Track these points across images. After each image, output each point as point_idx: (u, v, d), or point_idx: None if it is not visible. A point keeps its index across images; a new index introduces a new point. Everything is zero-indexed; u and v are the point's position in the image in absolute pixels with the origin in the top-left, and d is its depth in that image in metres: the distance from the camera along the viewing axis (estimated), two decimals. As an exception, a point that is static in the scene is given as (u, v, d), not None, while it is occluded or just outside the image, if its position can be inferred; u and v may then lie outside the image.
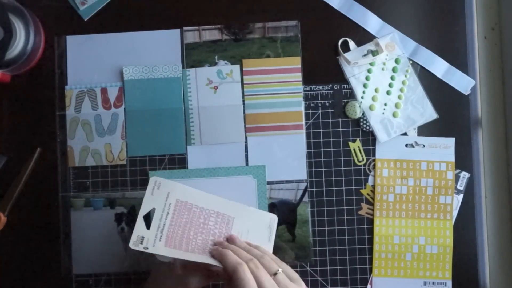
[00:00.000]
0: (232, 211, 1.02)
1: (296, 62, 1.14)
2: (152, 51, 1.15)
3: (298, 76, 1.14)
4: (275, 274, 0.88)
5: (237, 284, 0.84)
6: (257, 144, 1.13)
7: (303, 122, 1.13)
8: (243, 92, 1.14)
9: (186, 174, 1.12)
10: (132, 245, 0.95)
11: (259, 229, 1.01)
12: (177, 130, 1.13)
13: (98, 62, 1.15)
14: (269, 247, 1.00)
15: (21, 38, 1.08)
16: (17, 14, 1.08)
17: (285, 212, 1.12)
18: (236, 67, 1.14)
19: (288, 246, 1.12)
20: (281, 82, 1.14)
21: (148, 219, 0.98)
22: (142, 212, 0.98)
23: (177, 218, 0.99)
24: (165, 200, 1.00)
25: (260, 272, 0.86)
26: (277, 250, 1.07)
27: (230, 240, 0.98)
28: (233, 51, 1.15)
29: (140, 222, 0.97)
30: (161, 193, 1.00)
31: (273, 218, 1.03)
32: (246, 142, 1.13)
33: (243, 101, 1.14)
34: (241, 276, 0.84)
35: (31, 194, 1.13)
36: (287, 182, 1.13)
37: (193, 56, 1.15)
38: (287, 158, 1.13)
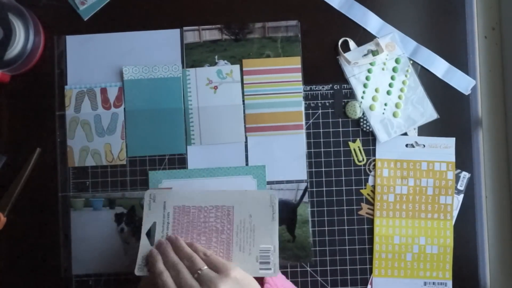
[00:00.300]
0: (230, 200, 1.01)
1: (296, 62, 1.14)
2: (152, 51, 1.15)
3: (298, 76, 1.14)
4: (200, 271, 0.92)
5: None
6: (257, 144, 1.13)
7: (303, 122, 1.13)
8: (243, 92, 1.14)
9: (186, 174, 1.12)
10: (137, 271, 0.96)
11: (261, 210, 1.01)
12: (177, 130, 1.13)
13: (98, 62, 1.14)
14: (274, 226, 1.00)
15: (21, 38, 1.08)
16: (16, 14, 1.08)
17: (285, 212, 1.12)
18: (236, 67, 1.14)
19: (289, 246, 1.12)
20: (281, 82, 1.14)
21: (150, 235, 0.98)
22: (144, 229, 0.98)
23: (178, 224, 1.00)
24: (163, 211, 1.00)
25: (180, 276, 0.92)
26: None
27: (170, 241, 0.99)
28: (233, 51, 1.15)
29: (144, 240, 0.97)
30: (158, 205, 1.00)
31: (273, 195, 1.02)
32: (246, 142, 1.13)
33: (243, 101, 1.14)
34: (161, 284, 0.91)
35: (31, 194, 1.13)
36: (287, 182, 1.13)
37: (193, 56, 1.15)
38: (287, 158, 1.13)
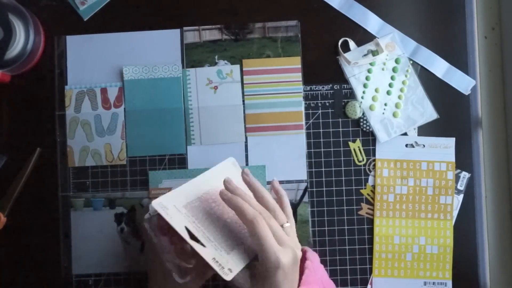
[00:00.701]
0: (213, 182, 0.99)
1: (296, 62, 1.14)
2: (152, 51, 1.15)
3: (298, 76, 1.14)
4: (282, 226, 0.92)
5: (256, 235, 0.87)
6: (257, 144, 1.13)
7: (303, 122, 1.13)
8: (243, 92, 1.14)
9: (186, 174, 1.12)
10: (228, 276, 0.89)
11: (234, 177, 0.98)
12: (177, 130, 1.13)
13: (98, 62, 1.14)
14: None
15: (21, 38, 1.08)
16: (17, 14, 1.08)
17: (285, 212, 1.12)
18: (236, 67, 1.14)
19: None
20: (281, 82, 1.14)
21: (195, 239, 0.92)
22: (187, 237, 0.90)
23: (204, 219, 0.96)
24: (179, 213, 0.92)
25: (272, 222, 0.90)
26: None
27: (246, 182, 0.98)
28: (233, 51, 1.15)
29: (198, 247, 0.89)
30: (172, 210, 0.92)
31: (232, 161, 1.04)
32: (246, 142, 1.13)
33: (243, 101, 1.14)
34: (260, 227, 0.86)
35: (31, 194, 1.13)
36: (287, 182, 1.13)
37: (193, 56, 1.15)
38: (287, 158, 1.13)
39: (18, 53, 1.08)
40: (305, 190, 1.12)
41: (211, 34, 1.15)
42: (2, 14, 1.04)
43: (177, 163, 1.13)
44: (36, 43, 1.11)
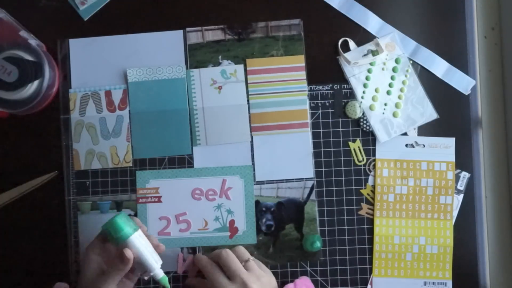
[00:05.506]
0: None
1: (299, 61, 1.13)
2: (156, 53, 1.13)
3: (302, 74, 1.12)
4: (247, 261, 1.03)
5: (210, 282, 1.01)
6: (263, 143, 1.12)
7: (309, 120, 1.11)
8: (247, 92, 1.12)
9: (173, 174, 1.11)
10: None
11: None
12: (182, 131, 1.12)
13: (102, 64, 1.13)
14: None
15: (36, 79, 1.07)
16: (31, 53, 1.07)
17: (292, 210, 1.11)
18: (240, 67, 1.13)
19: (297, 244, 1.11)
20: (285, 80, 1.12)
21: None
22: None
23: None
24: None
25: (230, 258, 1.01)
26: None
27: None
28: (236, 50, 1.13)
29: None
30: None
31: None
32: (251, 141, 1.12)
33: (248, 100, 1.12)
34: (211, 274, 1.01)
35: (37, 198, 1.12)
36: (294, 180, 1.11)
37: (197, 56, 1.13)
38: (293, 156, 1.12)
39: (33, 92, 1.08)
40: (312, 188, 1.11)
41: (214, 34, 1.13)
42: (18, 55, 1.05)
43: (182, 164, 1.12)
44: (51, 81, 1.10)
